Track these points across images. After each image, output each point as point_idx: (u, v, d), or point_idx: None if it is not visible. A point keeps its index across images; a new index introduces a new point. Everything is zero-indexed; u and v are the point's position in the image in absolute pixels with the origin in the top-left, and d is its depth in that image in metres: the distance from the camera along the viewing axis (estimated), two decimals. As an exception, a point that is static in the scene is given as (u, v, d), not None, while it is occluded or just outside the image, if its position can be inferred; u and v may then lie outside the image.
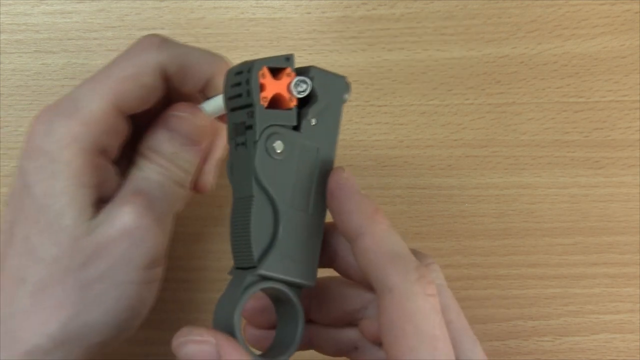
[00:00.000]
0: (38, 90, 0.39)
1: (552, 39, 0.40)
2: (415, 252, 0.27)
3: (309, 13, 0.39)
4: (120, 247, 0.28)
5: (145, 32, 0.39)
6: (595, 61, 0.40)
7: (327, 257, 0.29)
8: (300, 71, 0.28)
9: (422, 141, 0.40)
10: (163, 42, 0.30)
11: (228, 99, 0.28)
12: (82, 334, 0.28)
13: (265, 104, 0.27)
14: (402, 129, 0.40)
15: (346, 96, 0.29)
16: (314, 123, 0.28)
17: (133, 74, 0.29)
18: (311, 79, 0.27)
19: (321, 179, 0.28)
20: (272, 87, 0.27)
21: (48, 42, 0.39)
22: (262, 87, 0.27)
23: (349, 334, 0.30)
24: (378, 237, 0.26)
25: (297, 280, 0.27)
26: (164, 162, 0.31)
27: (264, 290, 0.27)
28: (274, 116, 0.27)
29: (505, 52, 0.40)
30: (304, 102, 0.28)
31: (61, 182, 0.28)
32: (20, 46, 0.39)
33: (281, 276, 0.27)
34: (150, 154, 0.31)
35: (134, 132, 0.32)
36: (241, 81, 0.27)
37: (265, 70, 0.27)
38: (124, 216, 0.29)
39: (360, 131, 0.40)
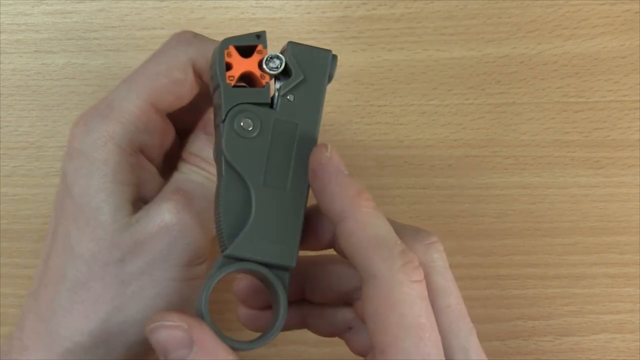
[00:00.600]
0: (38, 90, 0.39)
1: (552, 39, 0.40)
2: (415, 230, 0.27)
3: (309, 13, 0.39)
4: (159, 243, 0.28)
5: (145, 32, 0.39)
6: (595, 61, 0.40)
7: (325, 238, 0.28)
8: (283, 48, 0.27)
9: (422, 141, 0.40)
10: (193, 37, 0.30)
11: (210, 79, 0.28)
12: (122, 331, 0.28)
13: (232, 83, 0.26)
14: (402, 129, 0.40)
15: (332, 70, 0.28)
16: (291, 99, 0.27)
17: (165, 70, 0.29)
18: (287, 54, 0.27)
19: (301, 155, 0.27)
20: (240, 65, 0.26)
21: (48, 42, 0.39)
22: (228, 66, 0.26)
23: (344, 314, 0.29)
24: (361, 221, 0.25)
25: (273, 260, 0.26)
26: (204, 164, 0.31)
27: (240, 271, 0.26)
28: (242, 94, 0.26)
29: (505, 52, 0.40)
30: (285, 79, 0.27)
31: (98, 180, 0.28)
32: (20, 46, 0.39)
33: (253, 256, 0.26)
34: (191, 157, 0.31)
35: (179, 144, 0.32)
36: (212, 62, 0.27)
37: (231, 49, 0.26)
38: (163, 212, 0.29)
39: (360, 131, 0.40)
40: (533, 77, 0.40)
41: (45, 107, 0.40)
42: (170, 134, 0.31)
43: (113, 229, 0.28)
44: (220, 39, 0.39)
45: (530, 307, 0.40)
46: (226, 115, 0.26)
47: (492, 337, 0.40)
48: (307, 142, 0.27)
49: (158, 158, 0.31)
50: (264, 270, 0.26)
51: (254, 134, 0.26)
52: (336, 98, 0.39)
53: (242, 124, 0.26)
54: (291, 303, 0.27)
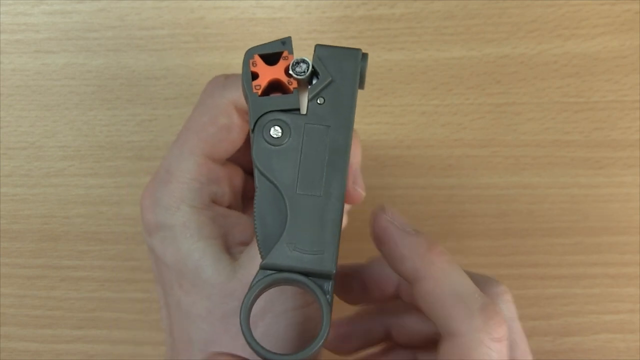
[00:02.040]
0: (38, 90, 0.39)
1: (552, 39, 0.40)
2: (483, 279, 0.26)
3: (309, 13, 0.39)
4: None
5: (145, 32, 0.39)
6: (596, 61, 0.40)
7: (389, 290, 0.27)
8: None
9: (422, 141, 0.40)
10: (225, 79, 0.30)
11: (243, 91, 0.27)
12: None
13: (259, 92, 0.26)
14: (402, 129, 0.40)
15: (363, 70, 0.27)
16: (320, 102, 0.26)
17: (209, 120, 0.29)
18: (313, 56, 0.26)
19: (334, 159, 0.26)
20: (266, 73, 0.26)
21: (48, 42, 0.39)
22: (254, 76, 0.26)
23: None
24: (437, 279, 0.24)
25: (312, 268, 0.25)
26: None
27: (279, 282, 0.26)
28: (269, 103, 0.26)
29: (505, 52, 0.40)
30: (314, 83, 0.27)
31: (185, 244, 0.28)
32: (20, 46, 0.39)
33: (290, 265, 0.25)
34: None
35: None
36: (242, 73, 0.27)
37: (256, 58, 0.26)
38: None
39: (360, 131, 0.40)
40: (533, 77, 0.40)
41: (45, 107, 0.40)
42: (238, 175, 0.31)
43: (219, 281, 0.28)
44: (220, 38, 0.39)
45: (531, 307, 0.40)
46: (255, 125, 0.26)
47: (492, 337, 0.40)
48: (340, 146, 0.26)
49: (234, 200, 0.31)
50: (303, 279, 0.25)
51: (285, 141, 0.26)
52: (336, 98, 0.39)
53: (271, 132, 0.26)
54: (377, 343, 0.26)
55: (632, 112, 0.40)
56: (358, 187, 0.30)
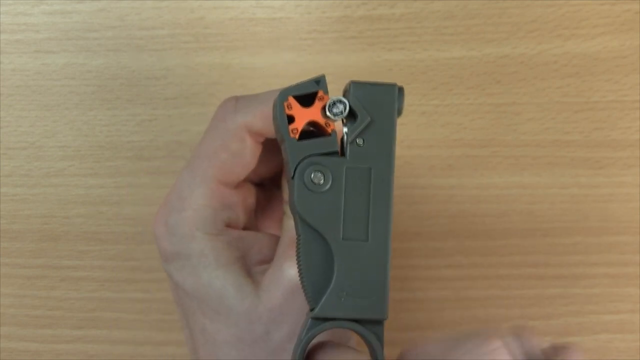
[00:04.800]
0: (38, 90, 0.39)
1: (552, 39, 0.40)
2: (556, 348, 0.25)
3: (309, 13, 0.39)
4: (294, 304, 0.28)
5: (145, 32, 0.39)
6: (596, 61, 0.40)
7: None
8: (345, 89, 0.26)
9: (422, 141, 0.40)
10: (235, 102, 0.29)
11: (275, 132, 0.26)
12: None
13: (297, 136, 0.25)
14: (402, 129, 0.40)
15: (400, 105, 0.26)
16: (360, 143, 0.25)
17: (220, 146, 0.28)
18: (350, 96, 0.25)
19: (378, 201, 0.26)
20: (302, 116, 0.25)
21: (48, 42, 0.39)
22: (290, 119, 0.25)
23: None
24: None
25: (364, 316, 0.25)
26: None
27: (330, 329, 0.25)
28: (308, 147, 0.25)
29: (505, 52, 0.40)
30: (351, 123, 0.26)
31: (204, 273, 0.28)
32: (20, 46, 0.39)
33: (341, 315, 0.25)
34: None
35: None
36: (274, 115, 0.26)
37: (291, 100, 0.25)
38: (284, 275, 0.28)
39: (360, 131, 0.40)
40: (533, 77, 0.40)
41: (45, 107, 0.40)
42: (251, 194, 0.31)
43: (244, 309, 0.28)
44: (220, 38, 0.39)
45: (531, 307, 0.40)
46: (295, 171, 0.25)
47: (492, 337, 0.40)
48: (384, 187, 0.26)
49: (249, 220, 0.31)
50: (356, 327, 0.25)
51: (327, 187, 0.25)
52: (336, 98, 0.39)
53: (312, 177, 0.25)
54: None
55: (632, 112, 0.40)
56: None
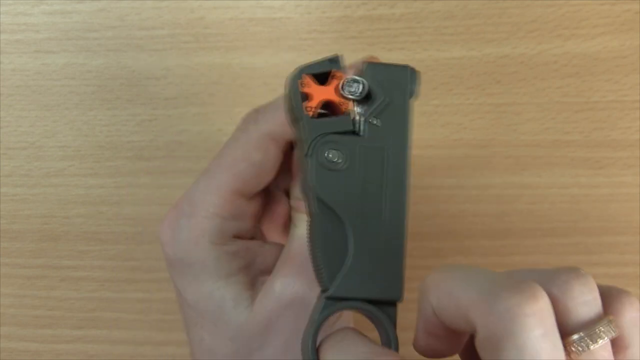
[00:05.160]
0: (38, 90, 0.39)
1: (552, 39, 0.40)
2: (616, 291, 0.23)
3: (309, 13, 0.39)
4: (287, 318, 0.28)
5: (145, 32, 0.39)
6: (595, 61, 0.40)
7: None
8: (359, 69, 0.26)
9: (422, 141, 0.40)
10: (256, 113, 0.29)
11: (287, 112, 0.26)
12: None
13: (311, 114, 0.25)
14: (402, 129, 0.40)
15: (414, 87, 0.26)
16: (376, 123, 0.25)
17: (241, 155, 0.28)
18: (366, 76, 0.25)
19: (393, 181, 0.25)
20: (319, 94, 0.25)
21: (48, 42, 0.39)
22: (307, 97, 0.25)
23: None
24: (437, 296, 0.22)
25: (379, 296, 0.25)
26: None
27: (344, 310, 0.25)
28: (324, 125, 0.25)
29: (505, 52, 0.40)
30: (367, 102, 0.25)
31: (205, 284, 0.28)
32: (20, 46, 0.39)
33: (357, 295, 0.25)
34: (300, 204, 0.29)
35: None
36: (288, 93, 0.25)
37: (307, 79, 0.25)
38: (276, 290, 0.28)
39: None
40: (533, 77, 0.40)
41: (45, 107, 0.40)
42: (261, 207, 0.31)
43: (240, 323, 0.28)
44: (220, 38, 0.39)
45: (530, 307, 0.40)
46: (311, 148, 0.25)
47: (492, 337, 0.40)
48: (399, 166, 0.26)
49: (256, 231, 0.31)
50: (370, 308, 0.25)
51: (342, 165, 0.25)
52: (336, 98, 0.39)
53: (328, 155, 0.25)
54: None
55: (632, 112, 0.40)
56: None
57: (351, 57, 0.39)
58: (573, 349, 0.21)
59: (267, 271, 0.29)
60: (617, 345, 0.22)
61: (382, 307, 0.25)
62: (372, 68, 0.25)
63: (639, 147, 0.40)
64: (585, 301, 0.22)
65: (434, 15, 0.39)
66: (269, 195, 0.31)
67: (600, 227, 0.40)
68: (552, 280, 0.21)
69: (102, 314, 0.40)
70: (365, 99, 0.25)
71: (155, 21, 0.39)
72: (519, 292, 0.20)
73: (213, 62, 0.39)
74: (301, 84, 0.25)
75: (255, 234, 0.31)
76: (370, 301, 0.25)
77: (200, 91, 0.39)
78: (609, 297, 0.23)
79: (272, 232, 0.32)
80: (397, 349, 0.25)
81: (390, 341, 0.25)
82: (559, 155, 0.40)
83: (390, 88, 0.25)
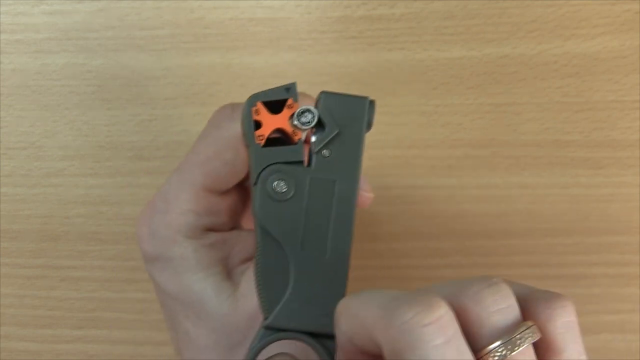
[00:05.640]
0: (38, 90, 0.39)
1: (552, 39, 0.40)
2: (541, 295, 0.23)
3: (309, 13, 0.39)
4: None
5: (145, 32, 0.39)
6: (596, 61, 0.40)
7: None
8: (316, 99, 0.25)
9: (422, 141, 0.40)
10: (232, 110, 0.28)
11: (242, 135, 0.26)
12: None
13: (262, 142, 0.25)
14: (402, 129, 0.40)
15: (370, 119, 0.26)
16: (327, 155, 0.25)
17: (213, 153, 0.28)
18: (319, 106, 0.25)
19: (340, 215, 0.25)
20: (269, 122, 0.25)
21: (48, 42, 0.39)
22: (257, 125, 0.25)
23: None
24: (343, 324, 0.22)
25: (316, 329, 0.25)
26: None
27: (282, 340, 0.25)
28: (273, 154, 0.25)
29: (505, 52, 0.40)
30: (319, 133, 0.25)
31: (186, 277, 0.28)
32: (20, 46, 0.39)
33: (293, 326, 0.25)
34: None
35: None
36: (242, 119, 0.25)
37: (259, 106, 0.25)
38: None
39: (360, 131, 0.40)
40: (533, 77, 0.40)
41: (45, 107, 0.40)
42: (237, 197, 0.31)
43: (222, 314, 0.28)
44: (220, 38, 0.39)
45: (531, 307, 0.40)
46: (258, 178, 0.25)
47: (492, 337, 0.40)
48: (347, 200, 0.25)
49: (234, 221, 0.31)
50: (307, 340, 0.25)
51: (289, 196, 0.25)
52: (336, 98, 0.39)
53: (275, 185, 0.25)
54: None
55: (632, 112, 0.40)
56: (365, 192, 0.30)
57: (351, 57, 0.39)
58: (490, 357, 0.21)
59: (248, 258, 0.30)
60: (550, 350, 0.22)
61: (321, 339, 0.25)
62: (328, 98, 0.25)
63: (639, 147, 0.40)
64: (499, 309, 0.21)
65: (434, 15, 0.39)
66: (246, 189, 0.32)
67: (600, 227, 0.40)
68: (464, 292, 0.22)
69: (102, 314, 0.40)
70: (318, 129, 0.25)
71: (155, 21, 0.39)
72: (416, 304, 0.20)
73: (213, 62, 0.39)
74: (255, 112, 0.25)
75: (234, 226, 0.31)
76: (310, 333, 0.25)
77: (200, 91, 0.39)
78: (541, 302, 0.23)
79: (252, 225, 0.32)
80: None
81: None
82: (559, 155, 0.40)
83: (345, 119, 0.25)
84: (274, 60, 0.39)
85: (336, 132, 0.25)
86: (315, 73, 0.39)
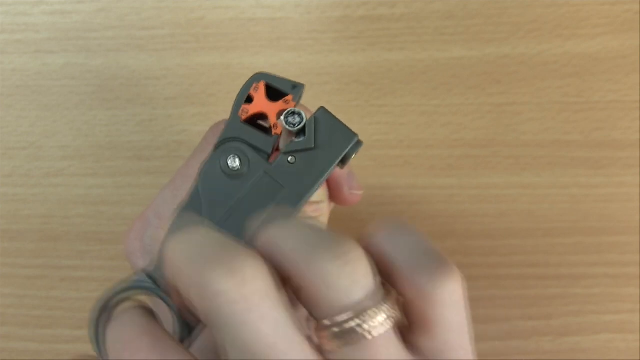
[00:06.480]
0: (38, 90, 0.39)
1: (552, 39, 0.40)
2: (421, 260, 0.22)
3: (309, 13, 0.39)
4: None
5: (145, 32, 0.39)
6: (595, 61, 0.40)
7: None
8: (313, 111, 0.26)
9: (422, 141, 0.40)
10: None
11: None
12: None
13: (243, 117, 0.25)
14: (402, 129, 0.40)
15: (350, 155, 0.25)
16: (291, 161, 0.25)
17: None
18: (311, 116, 0.25)
19: None
20: (260, 104, 0.25)
21: (48, 42, 0.39)
22: (249, 99, 0.25)
23: None
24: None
25: None
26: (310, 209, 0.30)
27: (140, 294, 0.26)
28: (246, 132, 0.25)
29: (505, 52, 0.40)
30: (297, 139, 0.25)
31: None
32: (20, 46, 0.39)
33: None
34: None
35: None
36: (241, 89, 0.26)
37: (260, 85, 0.25)
38: None
39: (360, 131, 0.39)
40: (533, 77, 0.40)
41: (45, 107, 0.40)
42: None
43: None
44: (220, 38, 0.39)
45: (531, 307, 0.40)
46: (219, 144, 0.25)
47: (492, 337, 0.40)
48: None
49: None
50: (156, 291, 0.25)
51: (234, 175, 0.25)
52: (336, 98, 0.39)
53: (229, 160, 0.25)
54: None
55: (632, 112, 0.40)
56: (354, 191, 0.29)
57: (351, 57, 0.39)
58: (333, 330, 0.18)
59: None
60: (423, 327, 0.20)
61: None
62: (322, 115, 0.25)
63: (639, 147, 0.40)
64: (348, 284, 0.19)
65: (434, 15, 0.39)
66: None
67: (600, 227, 0.40)
68: (308, 264, 0.19)
69: (102, 314, 0.40)
70: (298, 135, 0.25)
71: (155, 21, 0.39)
72: (228, 272, 0.18)
73: (213, 62, 0.39)
74: (255, 88, 0.25)
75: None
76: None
77: (200, 91, 0.39)
78: (418, 271, 0.21)
79: None
80: (180, 326, 0.23)
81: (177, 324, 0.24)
82: (559, 155, 0.40)
83: (326, 141, 0.25)
84: (274, 60, 0.39)
85: (310, 147, 0.25)
86: (315, 73, 0.39)
